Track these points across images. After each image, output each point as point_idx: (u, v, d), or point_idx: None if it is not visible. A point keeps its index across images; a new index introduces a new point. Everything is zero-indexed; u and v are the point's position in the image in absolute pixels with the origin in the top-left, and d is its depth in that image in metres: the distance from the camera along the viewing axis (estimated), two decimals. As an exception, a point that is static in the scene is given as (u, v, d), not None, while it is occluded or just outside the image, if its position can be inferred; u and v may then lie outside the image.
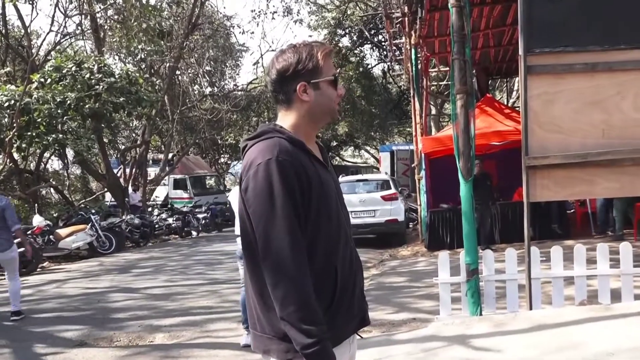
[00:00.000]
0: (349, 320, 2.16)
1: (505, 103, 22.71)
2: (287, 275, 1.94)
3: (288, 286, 1.93)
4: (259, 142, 2.09)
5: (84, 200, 23.47)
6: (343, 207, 2.27)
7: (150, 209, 23.15)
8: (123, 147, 27.00)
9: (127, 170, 23.50)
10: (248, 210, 2.03)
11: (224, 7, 68.75)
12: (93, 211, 17.84)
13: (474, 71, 17.22)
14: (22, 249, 9.68)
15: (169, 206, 23.13)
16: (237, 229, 5.91)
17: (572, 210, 15.56)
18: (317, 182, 2.06)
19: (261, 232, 1.98)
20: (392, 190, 15.98)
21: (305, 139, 2.17)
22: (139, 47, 20.60)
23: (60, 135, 17.34)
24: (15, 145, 17.32)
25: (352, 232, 2.36)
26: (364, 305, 2.30)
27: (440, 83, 25.21)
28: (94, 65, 18.32)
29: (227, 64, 34.50)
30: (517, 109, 15.63)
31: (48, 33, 21.18)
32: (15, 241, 8.96)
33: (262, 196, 1.97)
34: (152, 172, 26.00)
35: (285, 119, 2.19)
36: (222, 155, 38.45)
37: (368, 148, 45.53)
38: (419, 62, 15.41)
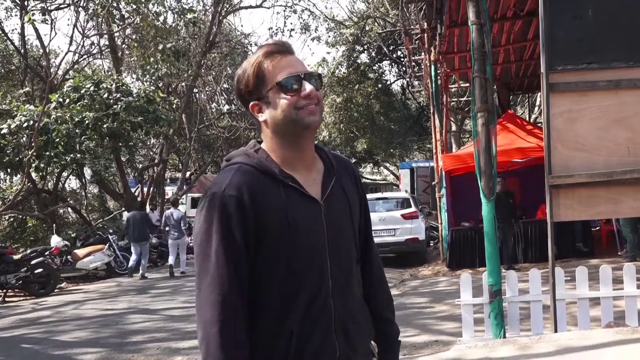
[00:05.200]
0: None
1: (527, 118, 22.53)
2: (207, 333, 1.74)
3: (205, 339, 1.74)
4: (225, 167, 1.88)
5: (101, 220, 23.50)
6: (335, 253, 1.89)
7: (167, 229, 23.13)
8: (140, 166, 27.07)
9: (145, 189, 23.54)
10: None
11: (242, 25, 69.51)
12: (110, 231, 17.86)
13: (495, 87, 17.09)
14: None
15: (187, 225, 23.08)
16: None
17: (597, 228, 15.31)
18: (278, 222, 1.78)
19: (196, 273, 1.81)
20: (413, 209, 15.84)
21: (286, 162, 1.87)
22: (156, 66, 20.70)
23: (79, 155, 17.40)
24: (33, 165, 17.40)
25: (373, 278, 2.10)
26: None
27: (461, 99, 25.08)
28: (111, 85, 18.41)
29: (245, 82, 34.54)
30: (539, 124, 15.49)
31: (67, 53, 21.39)
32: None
33: (201, 235, 1.79)
34: (170, 191, 26.04)
35: (265, 141, 1.94)
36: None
37: (387, 165, 45.35)
38: (438, 78, 15.33)
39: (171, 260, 15.78)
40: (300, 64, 1.87)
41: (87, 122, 17.48)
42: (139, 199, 22.91)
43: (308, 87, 1.82)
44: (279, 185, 1.82)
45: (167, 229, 15.97)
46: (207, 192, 1.81)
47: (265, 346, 1.81)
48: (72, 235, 18.41)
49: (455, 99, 24.60)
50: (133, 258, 15.71)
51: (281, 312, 1.80)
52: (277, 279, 1.80)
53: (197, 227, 1.80)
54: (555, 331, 6.26)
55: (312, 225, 1.84)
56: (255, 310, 1.81)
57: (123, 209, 23.04)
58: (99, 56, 24.83)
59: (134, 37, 21.88)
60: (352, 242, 1.98)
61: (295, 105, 1.81)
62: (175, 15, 20.25)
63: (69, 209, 24.20)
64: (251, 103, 1.89)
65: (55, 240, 15.23)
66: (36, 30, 20.51)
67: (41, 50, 22.62)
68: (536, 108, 26.06)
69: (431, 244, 18.24)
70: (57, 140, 16.93)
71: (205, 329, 1.74)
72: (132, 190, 23.76)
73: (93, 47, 22.79)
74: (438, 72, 15.23)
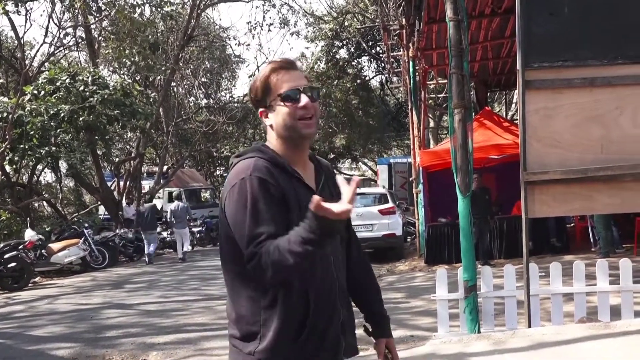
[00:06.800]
0: (319, 351, 2.14)
1: (505, 115, 22.65)
2: (272, 253, 1.93)
3: (274, 258, 1.93)
4: (239, 161, 2.16)
5: (77, 214, 23.29)
6: None
7: (172, 220, 22.98)
8: (117, 159, 26.88)
9: (121, 183, 23.37)
10: (229, 226, 2.08)
11: (220, 19, 68.87)
12: (86, 225, 17.70)
13: (472, 84, 17.17)
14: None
15: (164, 219, 22.97)
16: None
17: (571, 224, 15.44)
18: (294, 204, 2.08)
19: (240, 236, 2.03)
20: (390, 204, 15.86)
21: (290, 160, 2.18)
22: (132, 59, 20.57)
23: (54, 148, 17.23)
24: (7, 158, 17.21)
25: (360, 255, 2.43)
26: (341, 338, 2.22)
27: (439, 95, 25.15)
28: (88, 77, 18.22)
29: (223, 76, 34.46)
30: (515, 121, 15.59)
31: (42, 44, 21.13)
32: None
33: (238, 209, 2.04)
34: (147, 185, 25.83)
35: (270, 142, 2.24)
36: (217, 168, 38.29)
37: (366, 160, 45.35)
38: (417, 74, 15.36)
39: (179, 247, 17.76)
40: (301, 79, 2.19)
41: (62, 114, 17.29)
42: (115, 192, 22.73)
43: (304, 99, 2.14)
44: (289, 176, 2.14)
45: (172, 220, 17.68)
46: (233, 181, 2.09)
47: (289, 309, 2.08)
48: (47, 229, 18.23)
49: (434, 96, 24.67)
50: (148, 248, 17.53)
51: (303, 282, 2.08)
52: None
53: (231, 206, 2.07)
54: (529, 326, 6.31)
55: None
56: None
57: (99, 202, 22.94)
58: (75, 48, 24.60)
59: (110, 29, 21.68)
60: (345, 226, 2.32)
61: (293, 114, 2.13)
62: (153, 8, 20.10)
63: (44, 203, 23.98)
64: (260, 109, 2.22)
65: (30, 234, 15.07)
66: (10, 21, 20.23)
67: (16, 42, 22.33)
68: (513, 105, 26.19)
69: (408, 240, 18.28)
70: (32, 133, 16.76)
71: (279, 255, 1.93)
72: (109, 184, 23.56)
73: (69, 38, 22.57)
74: (416, 68, 15.26)
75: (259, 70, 2.21)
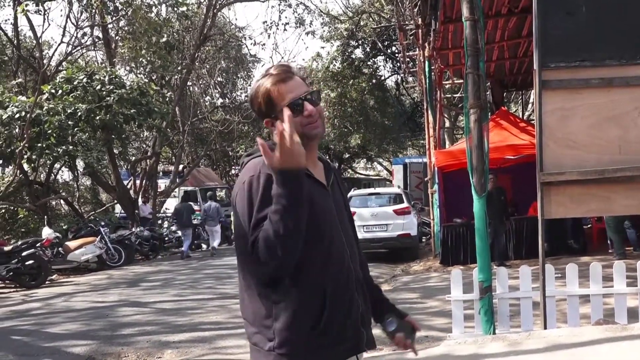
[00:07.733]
0: (339, 342, 2.18)
1: (521, 116, 22.52)
2: (271, 236, 1.98)
3: (271, 240, 1.98)
4: (250, 160, 2.23)
5: (93, 212, 23.44)
6: (344, 228, 2.31)
7: (160, 222, 23.09)
8: (133, 158, 27.01)
9: (137, 182, 23.50)
10: (240, 221, 2.13)
11: (236, 19, 68.97)
12: (102, 223, 17.82)
13: (489, 84, 17.08)
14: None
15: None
16: None
17: (588, 225, 15.32)
18: (305, 199, 2.10)
19: (247, 230, 2.07)
20: (405, 204, 15.84)
21: None
22: (148, 59, 20.66)
23: (71, 147, 17.35)
24: (25, 157, 17.35)
25: (358, 252, 2.40)
26: (361, 330, 2.27)
27: (454, 95, 25.05)
28: (105, 77, 18.34)
29: (239, 75, 34.53)
30: (532, 122, 15.49)
31: (59, 44, 21.22)
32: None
33: (246, 205, 2.08)
34: (163, 184, 25.99)
35: None
36: (233, 167, 38.37)
37: (381, 160, 45.29)
38: (432, 74, 15.31)
39: (212, 242, 19.12)
40: (301, 86, 2.24)
41: (79, 113, 17.44)
42: (131, 191, 22.86)
43: (309, 107, 2.20)
44: None
45: (205, 218, 19.13)
46: (243, 178, 2.15)
47: (305, 298, 2.12)
48: (64, 227, 18.36)
49: (449, 95, 24.57)
50: (186, 244, 18.87)
51: (317, 275, 2.14)
52: (313, 249, 2.13)
53: (241, 204, 2.12)
54: (545, 328, 6.27)
55: (326, 205, 2.23)
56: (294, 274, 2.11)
57: (115, 201, 23.05)
58: (92, 48, 24.75)
59: (126, 29, 21.79)
60: (350, 221, 2.43)
61: (300, 124, 2.17)
62: (169, 8, 20.18)
63: (61, 201, 24.14)
64: (265, 120, 2.28)
65: (47, 232, 15.17)
66: (29, 21, 20.43)
67: (34, 41, 22.52)
68: (530, 105, 26.02)
69: (423, 240, 18.25)
70: (50, 131, 16.88)
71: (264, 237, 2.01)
72: (125, 182, 23.68)
73: (86, 38, 22.72)
74: (432, 68, 15.21)
75: (252, 87, 2.17)
